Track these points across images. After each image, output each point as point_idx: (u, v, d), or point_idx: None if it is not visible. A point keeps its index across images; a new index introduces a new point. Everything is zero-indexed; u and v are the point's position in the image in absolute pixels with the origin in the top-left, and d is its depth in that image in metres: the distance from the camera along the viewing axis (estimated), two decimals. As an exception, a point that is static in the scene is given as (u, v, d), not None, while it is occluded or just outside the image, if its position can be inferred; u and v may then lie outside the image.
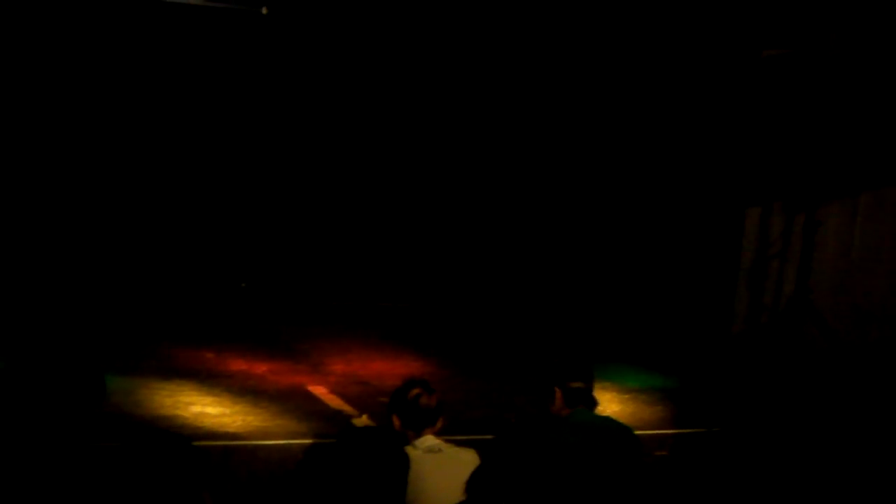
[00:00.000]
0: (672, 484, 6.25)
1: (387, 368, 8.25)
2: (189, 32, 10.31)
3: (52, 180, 10.10)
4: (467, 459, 4.85)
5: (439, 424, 4.98)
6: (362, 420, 6.35)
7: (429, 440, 4.88)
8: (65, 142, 10.14)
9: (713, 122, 10.23)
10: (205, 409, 6.82)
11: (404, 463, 3.94)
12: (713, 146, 10.24)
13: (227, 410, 6.84)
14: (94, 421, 3.98)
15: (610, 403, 7.80)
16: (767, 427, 7.50)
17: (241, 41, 10.50)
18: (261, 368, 7.94)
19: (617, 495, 4.90)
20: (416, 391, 4.97)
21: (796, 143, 9.59)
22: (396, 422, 4.98)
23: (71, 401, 3.90)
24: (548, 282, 11.48)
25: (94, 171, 10.27)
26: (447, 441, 5.02)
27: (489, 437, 6.08)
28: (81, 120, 10.18)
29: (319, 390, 7.53)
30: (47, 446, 3.73)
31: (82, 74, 10.10)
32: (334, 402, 7.26)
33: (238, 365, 7.97)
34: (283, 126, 10.95)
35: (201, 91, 10.55)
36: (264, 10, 10.35)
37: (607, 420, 5.22)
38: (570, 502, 4.88)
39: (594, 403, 5.14)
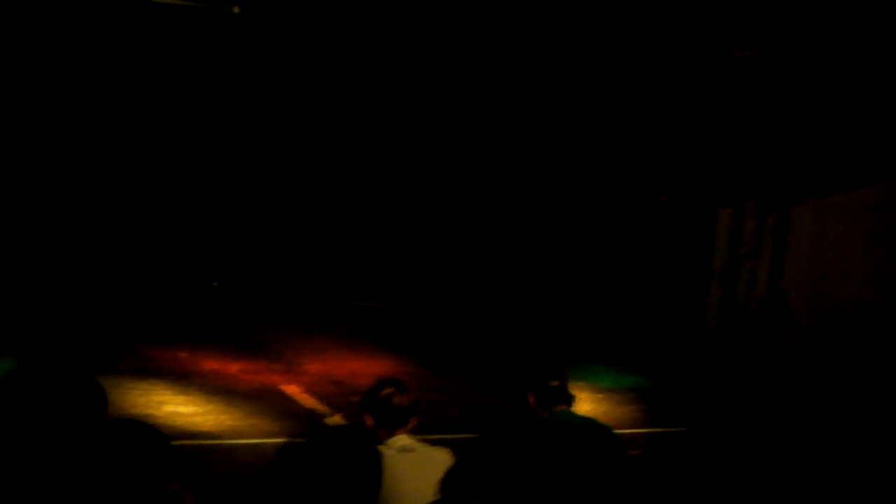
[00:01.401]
0: (646, 483, 6.27)
1: (362, 368, 8.24)
2: (159, 31, 10.26)
3: (22, 183, 10.05)
4: (440, 459, 4.84)
5: (412, 424, 4.94)
6: (335, 419, 6.34)
7: (402, 439, 4.85)
8: (33, 147, 10.08)
9: (685, 122, 10.26)
10: (177, 408, 6.80)
11: (377, 462, 3.92)
12: (685, 146, 10.27)
13: (200, 410, 6.81)
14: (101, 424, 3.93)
15: (584, 403, 7.78)
16: (740, 426, 7.53)
17: (212, 40, 10.46)
18: (234, 368, 7.91)
19: (597, 495, 4.90)
20: (388, 390, 4.93)
21: (768, 143, 9.63)
22: (369, 421, 4.94)
23: (78, 404, 3.85)
24: (524, 282, 11.49)
25: (67, 174, 10.22)
26: (424, 440, 5.01)
27: (465, 436, 6.08)
28: (51, 123, 10.11)
29: (293, 389, 7.51)
30: (50, 447, 3.68)
31: (53, 76, 10.04)
32: (308, 401, 7.25)
33: (211, 364, 7.94)
34: (255, 126, 10.91)
35: (173, 91, 10.50)
36: (236, 9, 10.32)
37: (588, 420, 5.23)
38: (549, 502, 4.88)
39: (572, 398, 5.14)
